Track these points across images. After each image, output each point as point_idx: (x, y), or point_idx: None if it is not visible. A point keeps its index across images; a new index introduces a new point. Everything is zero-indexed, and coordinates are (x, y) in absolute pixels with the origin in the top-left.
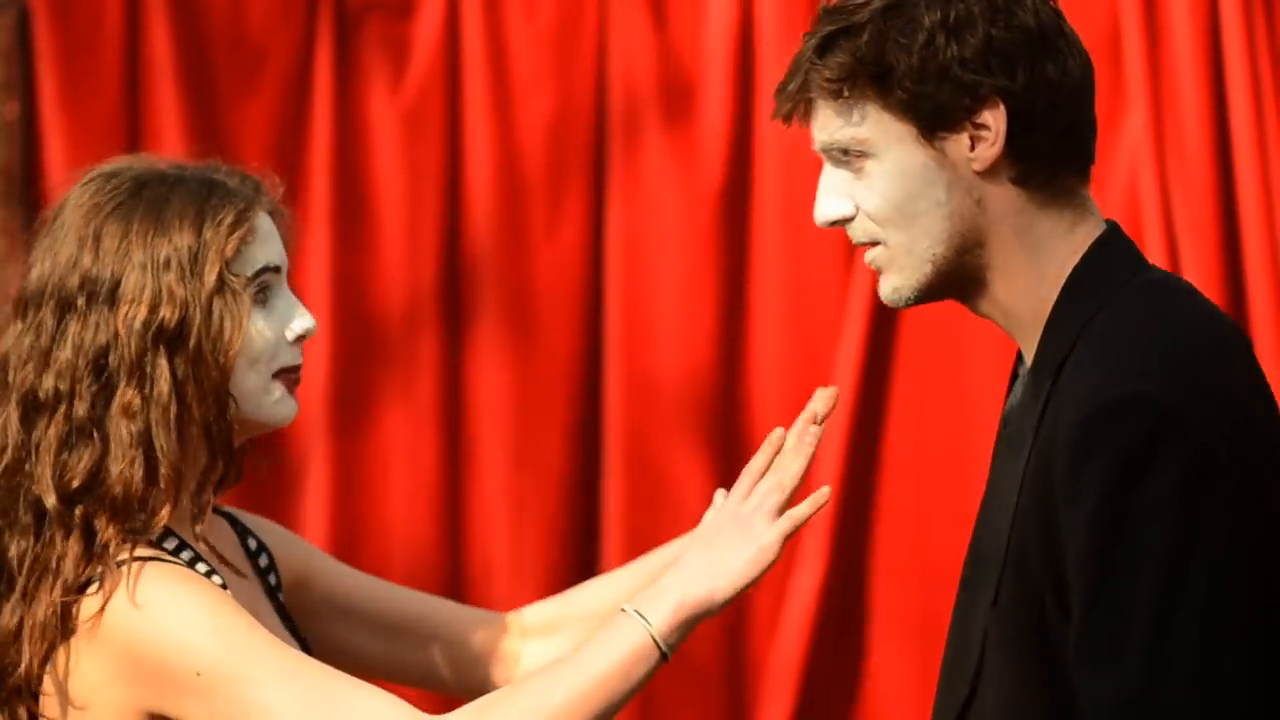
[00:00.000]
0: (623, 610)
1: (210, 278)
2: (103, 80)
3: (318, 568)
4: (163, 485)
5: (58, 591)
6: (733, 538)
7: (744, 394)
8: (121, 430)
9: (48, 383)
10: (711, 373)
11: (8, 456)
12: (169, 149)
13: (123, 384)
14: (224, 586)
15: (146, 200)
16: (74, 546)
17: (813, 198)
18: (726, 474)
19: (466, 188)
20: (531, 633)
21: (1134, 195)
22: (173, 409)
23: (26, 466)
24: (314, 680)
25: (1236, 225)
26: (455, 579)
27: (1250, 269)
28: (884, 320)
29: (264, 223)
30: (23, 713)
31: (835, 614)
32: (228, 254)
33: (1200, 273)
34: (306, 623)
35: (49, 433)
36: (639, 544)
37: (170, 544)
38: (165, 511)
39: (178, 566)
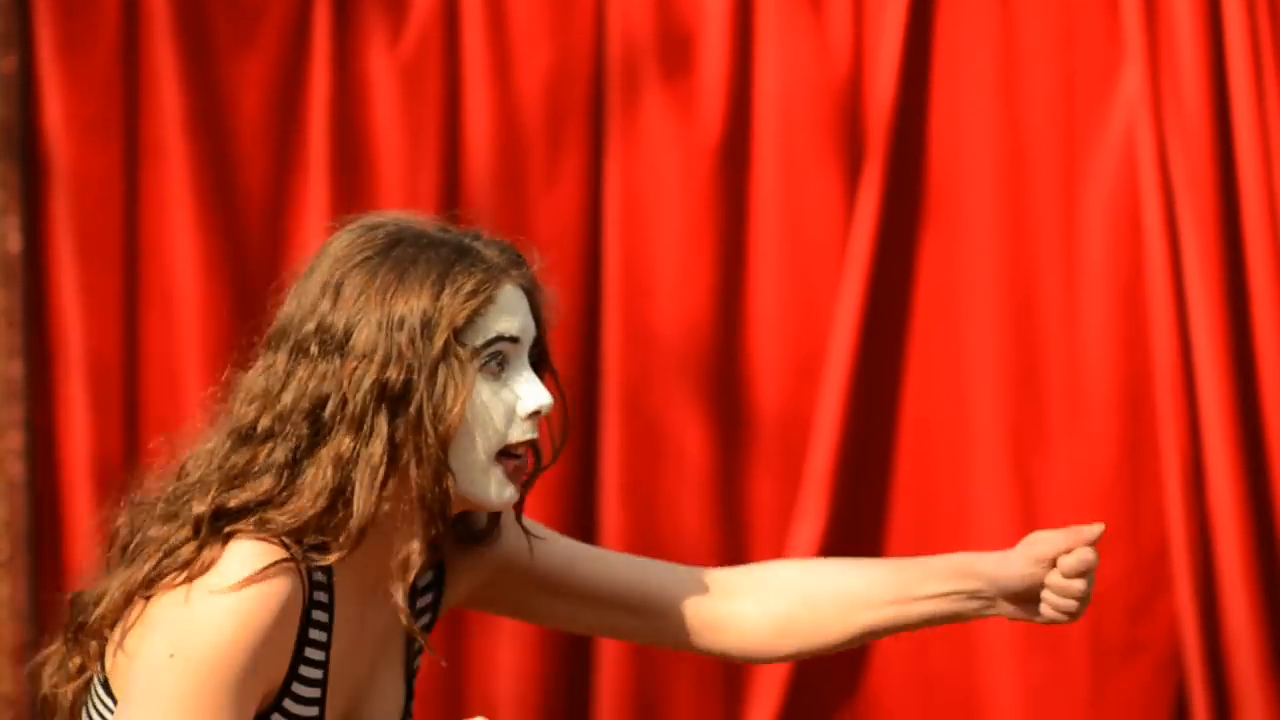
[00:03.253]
0: None
1: (438, 344)
2: (101, 34)
3: (511, 562)
4: (341, 540)
5: (161, 562)
6: None
7: (743, 347)
8: (324, 475)
9: (264, 422)
10: (710, 326)
11: (199, 475)
12: (167, 103)
13: (340, 434)
14: (327, 645)
15: (395, 258)
16: (194, 548)
17: (810, 150)
18: (724, 427)
19: (465, 142)
20: (738, 595)
21: (1130, 152)
22: (381, 471)
23: (207, 479)
24: None
25: (1235, 183)
26: None
27: (1248, 226)
28: (885, 273)
29: (507, 295)
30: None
31: None
32: (458, 323)
33: (1197, 232)
34: (514, 596)
35: (242, 461)
36: (637, 496)
37: (321, 574)
38: (334, 557)
39: (275, 593)
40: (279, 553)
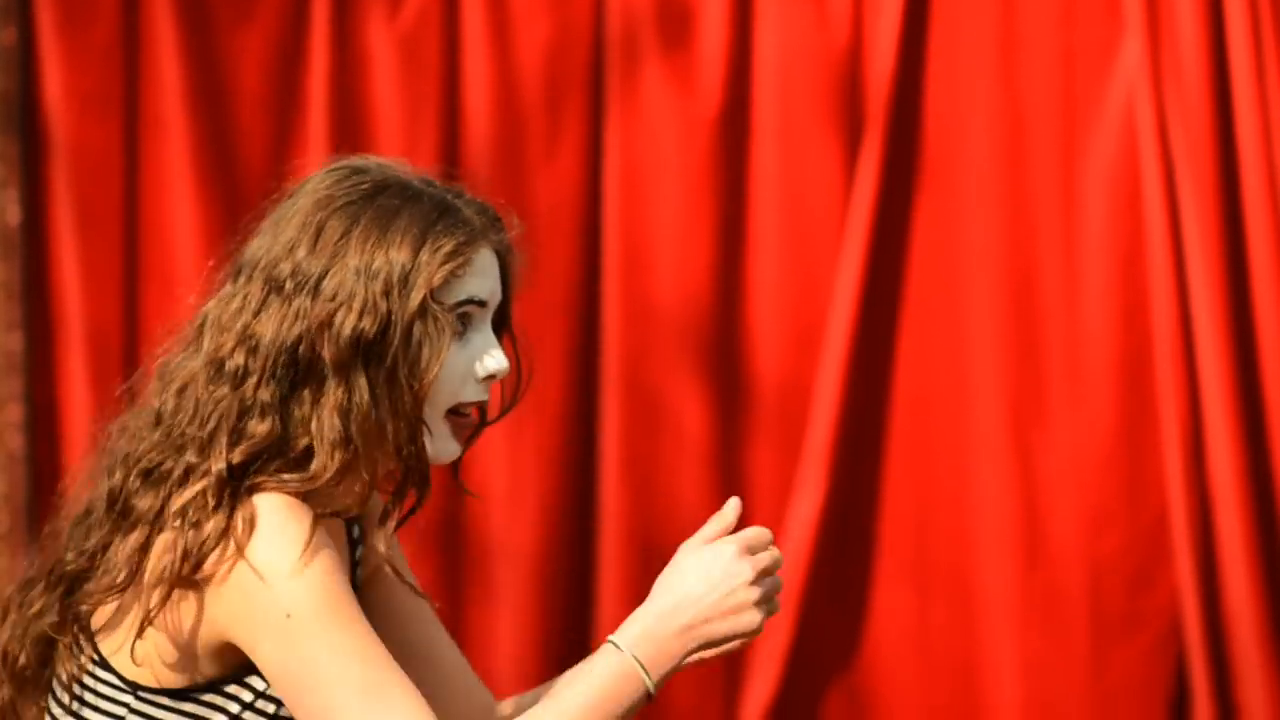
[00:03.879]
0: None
1: (414, 300)
2: (101, 7)
3: (383, 572)
4: (358, 489)
5: (192, 540)
6: (724, 592)
7: (742, 320)
8: (332, 426)
9: (239, 358)
10: (710, 298)
11: (186, 422)
12: (167, 76)
13: (331, 383)
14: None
15: (377, 207)
16: (222, 517)
17: (810, 122)
18: (723, 400)
19: (465, 114)
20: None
21: (1130, 125)
22: (371, 419)
23: (195, 427)
24: (379, 669)
25: (1234, 156)
26: (453, 507)
27: (1248, 199)
28: (884, 245)
29: (483, 258)
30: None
31: (835, 549)
32: (435, 282)
33: (1197, 204)
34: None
35: (231, 403)
36: (637, 470)
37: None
38: (353, 511)
39: (310, 514)
40: (303, 504)
